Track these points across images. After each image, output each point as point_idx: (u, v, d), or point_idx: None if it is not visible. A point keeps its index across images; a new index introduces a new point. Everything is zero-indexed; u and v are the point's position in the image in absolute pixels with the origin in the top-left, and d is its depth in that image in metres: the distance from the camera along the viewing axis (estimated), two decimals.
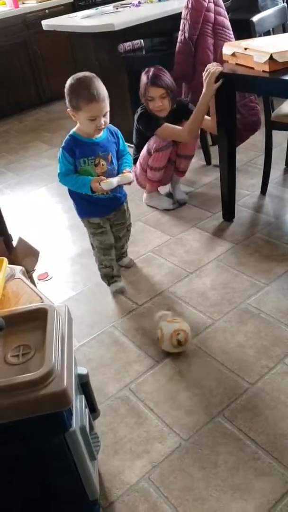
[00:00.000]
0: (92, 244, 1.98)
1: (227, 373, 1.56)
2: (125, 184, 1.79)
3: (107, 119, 1.69)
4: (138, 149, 2.49)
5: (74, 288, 2.10)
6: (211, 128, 2.36)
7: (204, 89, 2.11)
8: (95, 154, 1.74)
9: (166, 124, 2.29)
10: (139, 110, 2.37)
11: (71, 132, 1.76)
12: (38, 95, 4.63)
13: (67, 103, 1.68)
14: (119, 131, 1.84)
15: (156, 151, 2.34)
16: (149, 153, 2.39)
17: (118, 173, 1.80)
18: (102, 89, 1.63)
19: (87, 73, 1.66)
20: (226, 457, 1.32)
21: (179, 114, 2.35)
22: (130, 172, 1.79)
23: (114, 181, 1.72)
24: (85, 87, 1.61)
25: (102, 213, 1.89)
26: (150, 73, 2.26)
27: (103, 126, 1.68)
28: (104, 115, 1.67)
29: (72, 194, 1.85)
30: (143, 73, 2.31)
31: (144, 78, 2.28)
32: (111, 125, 1.78)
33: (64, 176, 1.77)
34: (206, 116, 2.29)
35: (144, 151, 2.42)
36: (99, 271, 2.02)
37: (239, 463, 1.30)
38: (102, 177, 1.73)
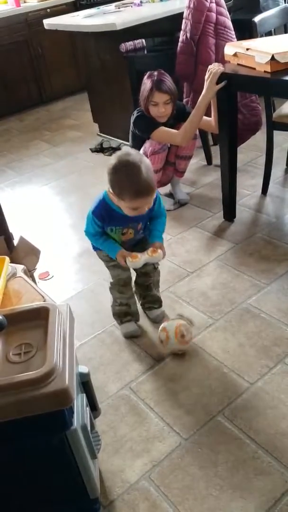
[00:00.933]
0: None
1: (227, 373, 1.56)
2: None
3: (151, 203, 1.51)
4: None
5: (75, 287, 2.11)
6: (212, 128, 2.35)
7: (204, 90, 2.10)
8: (125, 225, 1.58)
9: (161, 127, 2.27)
10: (135, 113, 2.35)
11: (103, 194, 1.54)
12: (39, 94, 4.63)
13: (109, 184, 1.46)
14: (159, 196, 1.60)
15: (152, 154, 2.32)
16: (145, 156, 2.37)
17: (144, 239, 1.65)
18: (151, 180, 1.42)
19: (134, 156, 1.42)
20: (226, 456, 1.32)
21: (176, 117, 2.34)
22: (161, 247, 1.60)
23: (142, 260, 1.56)
24: (132, 180, 1.39)
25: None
26: (155, 78, 2.22)
27: (144, 212, 1.50)
28: (149, 205, 1.49)
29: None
30: (145, 77, 2.28)
31: (148, 82, 2.24)
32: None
33: (92, 236, 1.62)
34: (206, 117, 2.28)
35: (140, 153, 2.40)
36: (111, 308, 1.80)
37: (239, 462, 1.30)
38: (131, 253, 1.56)
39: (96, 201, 1.56)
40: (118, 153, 1.45)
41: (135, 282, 1.79)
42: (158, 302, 1.84)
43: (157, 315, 1.81)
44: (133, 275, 1.78)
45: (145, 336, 1.77)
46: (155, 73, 2.25)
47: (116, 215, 1.53)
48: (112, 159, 1.44)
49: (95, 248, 1.71)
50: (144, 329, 1.80)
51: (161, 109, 2.24)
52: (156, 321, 1.80)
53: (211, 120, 2.31)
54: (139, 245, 1.68)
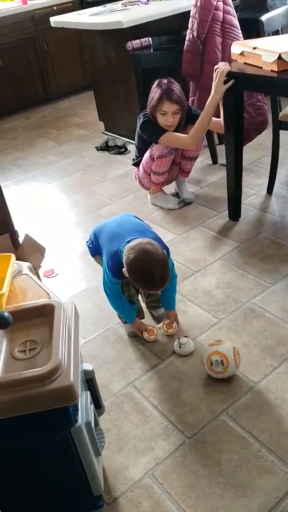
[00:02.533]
0: None
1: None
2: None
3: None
4: (140, 152, 2.47)
5: (80, 285, 2.11)
6: (220, 129, 2.32)
7: (212, 92, 2.07)
8: None
9: (169, 132, 2.26)
10: (141, 117, 2.32)
11: (119, 253, 1.51)
12: (45, 92, 4.63)
13: (125, 266, 1.45)
14: (168, 251, 1.59)
15: (159, 158, 2.32)
16: (152, 158, 2.36)
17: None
18: (166, 275, 1.43)
19: (150, 252, 1.41)
20: (229, 455, 1.32)
21: (184, 122, 2.31)
22: (176, 317, 1.73)
23: (156, 337, 1.70)
24: (146, 277, 1.42)
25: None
26: (165, 87, 2.19)
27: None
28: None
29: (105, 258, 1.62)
30: (155, 85, 2.25)
31: (157, 90, 2.21)
32: (164, 245, 1.59)
33: (111, 297, 1.65)
34: (214, 118, 2.26)
35: (147, 156, 2.39)
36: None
37: (243, 461, 1.30)
38: (145, 326, 1.69)
39: (112, 260, 1.53)
40: (137, 247, 1.42)
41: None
42: (160, 301, 1.83)
43: (162, 313, 1.82)
44: None
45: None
46: (165, 81, 2.22)
47: None
48: (131, 253, 1.42)
49: (93, 254, 1.79)
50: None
51: (169, 119, 2.22)
52: (160, 320, 1.80)
53: (220, 121, 2.28)
54: (151, 295, 1.80)
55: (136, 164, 2.52)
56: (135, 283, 1.49)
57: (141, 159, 2.46)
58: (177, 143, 2.30)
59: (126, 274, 1.47)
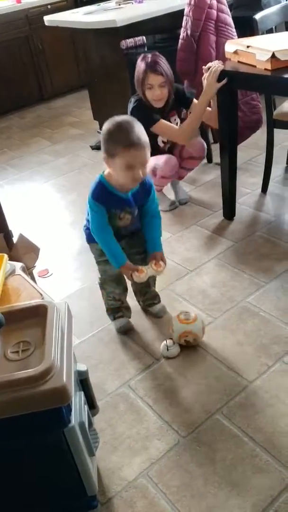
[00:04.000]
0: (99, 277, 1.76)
1: (226, 371, 1.56)
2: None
3: (146, 170, 1.49)
4: None
5: (74, 285, 2.11)
6: (211, 120, 2.27)
7: (205, 87, 2.07)
8: (122, 209, 1.57)
9: (162, 121, 2.21)
10: (132, 101, 2.26)
11: (99, 177, 1.54)
12: (40, 91, 4.62)
13: (102, 150, 1.47)
14: (153, 187, 1.61)
15: (162, 178, 2.29)
16: (153, 173, 2.30)
17: (140, 233, 1.65)
18: (144, 135, 1.45)
19: (127, 118, 1.49)
20: (224, 454, 1.32)
21: (175, 102, 2.28)
22: (162, 258, 1.62)
23: (148, 275, 1.59)
24: (125, 131, 1.42)
25: None
26: (149, 60, 2.14)
27: (142, 179, 1.48)
28: (144, 166, 1.47)
29: (88, 215, 1.62)
30: (139, 59, 2.19)
31: (142, 64, 2.16)
32: (147, 178, 1.57)
33: (100, 233, 1.58)
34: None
35: (149, 166, 2.31)
36: (105, 304, 1.80)
37: (237, 460, 1.30)
38: (137, 267, 1.58)
39: (93, 186, 1.55)
40: (110, 119, 1.47)
41: (134, 282, 1.75)
42: (157, 297, 1.86)
43: (159, 309, 1.83)
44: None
45: (144, 334, 1.77)
46: (149, 55, 2.17)
47: (114, 197, 1.53)
48: (105, 126, 1.47)
49: (89, 241, 1.69)
50: (143, 328, 1.80)
51: (156, 91, 2.15)
52: (158, 316, 1.82)
53: (211, 112, 2.23)
54: (135, 238, 1.67)
55: None
56: (116, 148, 1.43)
57: None
58: (168, 134, 2.27)
59: (108, 160, 1.46)
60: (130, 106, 2.29)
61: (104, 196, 1.53)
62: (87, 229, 1.68)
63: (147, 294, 1.84)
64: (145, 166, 1.47)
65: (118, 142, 1.43)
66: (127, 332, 1.77)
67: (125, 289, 1.78)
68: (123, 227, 1.61)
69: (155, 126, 2.21)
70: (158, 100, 2.20)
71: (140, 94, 2.23)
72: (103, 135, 1.46)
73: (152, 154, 2.32)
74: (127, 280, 1.70)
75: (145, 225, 1.65)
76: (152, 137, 2.29)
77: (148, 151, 1.46)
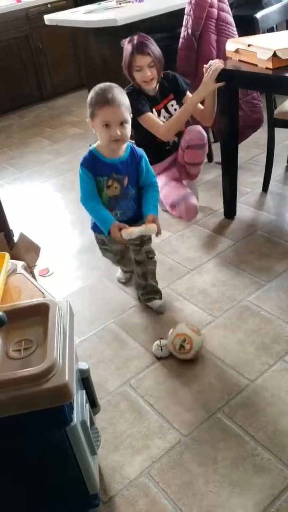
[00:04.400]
0: None
1: (227, 370, 1.56)
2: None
3: (126, 131, 1.55)
4: (138, 146, 2.39)
5: (75, 284, 2.11)
6: (203, 118, 2.21)
7: (200, 86, 2.03)
8: (109, 175, 1.61)
9: (149, 113, 2.12)
10: (125, 90, 2.17)
11: (90, 147, 1.64)
12: (40, 90, 4.61)
13: (88, 115, 1.58)
14: (144, 156, 1.67)
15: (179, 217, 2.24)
16: (172, 207, 2.23)
17: (137, 203, 1.68)
18: (120, 96, 1.53)
19: (108, 83, 1.58)
20: (225, 453, 1.32)
21: (169, 87, 2.20)
22: (155, 219, 1.63)
23: (136, 231, 1.58)
24: (102, 92, 1.53)
25: (104, 233, 1.68)
26: (135, 41, 2.06)
27: (119, 138, 1.53)
28: (122, 125, 1.53)
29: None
30: (126, 42, 2.12)
31: (128, 47, 2.07)
32: (137, 148, 1.66)
33: (88, 201, 1.63)
34: (199, 105, 2.15)
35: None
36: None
37: (238, 459, 1.30)
38: (125, 225, 1.60)
39: (84, 156, 1.64)
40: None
41: (135, 271, 1.85)
42: (158, 293, 1.87)
43: (159, 305, 1.84)
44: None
45: (146, 333, 1.77)
46: (135, 36, 2.09)
47: (100, 163, 1.60)
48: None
49: (94, 229, 1.77)
50: (144, 327, 1.80)
51: (146, 73, 2.06)
52: (159, 312, 1.84)
53: (203, 110, 2.18)
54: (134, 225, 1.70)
55: None
56: (96, 107, 1.53)
57: None
58: (151, 127, 2.16)
59: (92, 123, 1.57)
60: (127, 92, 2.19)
61: (91, 162, 1.61)
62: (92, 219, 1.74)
63: (146, 288, 1.84)
64: (123, 125, 1.54)
65: (96, 102, 1.54)
66: (123, 283, 2.01)
67: (129, 261, 1.88)
68: (112, 197, 1.64)
69: (141, 117, 2.12)
70: (149, 81, 2.10)
71: (129, 78, 2.14)
72: (88, 101, 1.57)
73: (157, 158, 2.30)
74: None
75: (142, 195, 1.69)
76: (160, 141, 2.25)
77: (125, 110, 1.54)
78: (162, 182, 2.23)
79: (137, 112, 2.09)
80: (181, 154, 2.30)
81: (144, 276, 1.83)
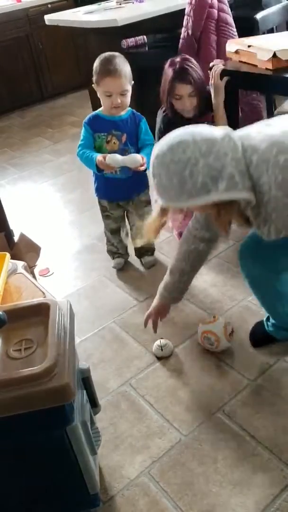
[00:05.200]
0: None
1: (228, 370, 1.57)
2: (133, 167, 1.76)
3: (126, 99, 1.74)
4: None
5: (75, 284, 2.11)
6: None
7: (212, 93, 1.97)
8: (108, 131, 1.80)
9: None
10: (162, 114, 2.03)
11: (97, 110, 1.86)
12: (40, 90, 4.62)
13: (93, 79, 1.76)
14: (143, 120, 1.86)
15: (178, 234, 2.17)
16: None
17: (134, 180, 1.86)
18: (122, 67, 1.68)
19: (114, 52, 1.73)
20: (225, 452, 1.32)
21: (204, 107, 2.02)
22: (143, 157, 1.76)
23: (119, 157, 1.74)
24: (105, 62, 1.68)
25: (109, 197, 1.96)
26: (177, 67, 1.89)
27: (119, 105, 1.73)
28: (122, 94, 1.72)
29: (94, 172, 1.92)
30: (167, 65, 1.94)
31: (169, 71, 1.90)
32: (138, 113, 1.86)
33: (81, 147, 1.84)
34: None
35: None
36: (106, 246, 2.14)
37: (239, 458, 1.30)
38: (106, 154, 1.76)
39: (88, 116, 1.87)
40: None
41: (131, 234, 2.09)
42: (151, 250, 2.13)
43: (149, 260, 2.10)
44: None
45: (146, 333, 1.77)
46: (177, 59, 1.92)
47: (101, 120, 1.82)
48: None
49: (97, 193, 1.98)
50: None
51: (186, 103, 1.90)
52: (147, 267, 2.10)
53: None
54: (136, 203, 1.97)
55: None
56: (98, 76, 1.71)
57: None
58: None
59: (96, 88, 1.75)
60: (160, 116, 2.04)
61: (93, 120, 1.84)
62: (94, 183, 1.98)
63: (144, 246, 2.06)
64: (124, 94, 1.72)
65: (99, 71, 1.71)
66: (120, 269, 2.12)
67: (120, 242, 2.09)
68: (111, 151, 1.80)
69: None
70: (188, 110, 1.95)
71: (165, 104, 1.98)
72: (94, 67, 1.74)
73: None
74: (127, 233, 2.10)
75: (141, 151, 1.85)
76: None
77: (125, 80, 1.70)
78: None
79: None
80: None
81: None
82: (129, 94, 1.73)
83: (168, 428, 1.41)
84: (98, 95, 1.77)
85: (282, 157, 0.98)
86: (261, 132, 1.07)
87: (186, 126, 1.08)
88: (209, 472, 1.29)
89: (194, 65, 1.91)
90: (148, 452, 1.36)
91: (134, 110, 1.85)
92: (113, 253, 2.14)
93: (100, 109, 1.85)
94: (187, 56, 1.97)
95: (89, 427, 1.10)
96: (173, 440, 1.38)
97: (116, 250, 2.12)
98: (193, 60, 1.95)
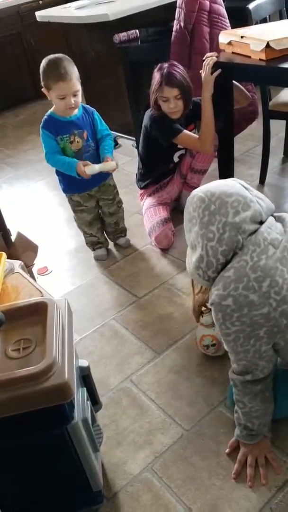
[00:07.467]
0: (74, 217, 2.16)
1: (228, 363, 1.55)
2: (108, 171, 1.91)
3: (78, 98, 1.80)
4: (144, 164, 2.32)
5: (74, 282, 2.10)
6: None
7: (203, 86, 2.01)
8: (70, 132, 1.86)
9: (185, 132, 2.11)
10: (150, 113, 2.16)
11: (48, 112, 1.89)
12: (34, 88, 4.57)
13: (42, 83, 1.79)
14: (95, 111, 1.95)
15: (156, 243, 2.21)
16: (149, 234, 2.24)
17: (98, 156, 1.93)
18: (70, 69, 1.74)
19: (59, 55, 1.77)
20: (228, 446, 1.32)
21: (193, 116, 2.19)
22: (112, 160, 1.88)
23: (97, 167, 1.85)
24: (54, 67, 1.72)
25: (81, 189, 2.01)
26: (164, 71, 2.04)
27: (73, 105, 1.80)
28: (75, 95, 1.78)
29: (57, 171, 1.97)
30: (156, 70, 2.10)
31: (157, 76, 2.06)
32: (87, 105, 1.94)
33: (52, 155, 1.87)
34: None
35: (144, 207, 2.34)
36: (84, 239, 2.21)
37: None
38: (87, 162, 1.85)
39: (43, 119, 1.88)
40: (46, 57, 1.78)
41: (106, 223, 2.18)
42: (124, 231, 2.25)
43: (125, 241, 2.24)
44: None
45: (146, 329, 1.77)
46: (165, 65, 2.07)
47: (59, 123, 1.86)
48: (42, 63, 1.78)
49: (66, 192, 2.05)
50: (144, 321, 1.80)
51: (171, 104, 2.05)
52: (124, 246, 2.23)
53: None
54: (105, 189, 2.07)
55: (143, 186, 2.38)
56: (49, 81, 1.75)
57: (143, 171, 2.33)
58: (189, 144, 2.17)
59: (46, 92, 1.80)
60: (150, 116, 2.16)
61: (50, 123, 1.87)
62: (60, 183, 2.04)
63: (117, 231, 2.21)
64: (77, 95, 1.79)
65: (49, 76, 1.75)
66: (103, 260, 2.19)
67: (98, 230, 2.17)
68: (77, 151, 1.88)
69: (178, 137, 2.11)
70: (174, 112, 2.10)
71: (153, 106, 2.13)
72: (40, 70, 1.78)
73: (163, 172, 2.35)
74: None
75: (99, 144, 1.95)
76: (169, 152, 2.26)
77: (76, 81, 1.76)
78: (146, 206, 2.35)
79: (172, 132, 2.12)
80: (188, 162, 2.32)
81: (116, 223, 2.19)
82: (79, 93, 1.81)
83: (170, 423, 1.41)
84: (50, 98, 1.82)
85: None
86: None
87: None
88: (212, 466, 1.29)
89: (181, 71, 2.08)
90: (150, 448, 1.36)
91: (82, 104, 1.91)
92: (93, 244, 2.20)
93: (51, 109, 1.88)
94: (175, 63, 2.14)
95: (90, 424, 1.09)
96: (175, 435, 1.38)
97: (97, 240, 2.19)
98: (180, 66, 2.12)
